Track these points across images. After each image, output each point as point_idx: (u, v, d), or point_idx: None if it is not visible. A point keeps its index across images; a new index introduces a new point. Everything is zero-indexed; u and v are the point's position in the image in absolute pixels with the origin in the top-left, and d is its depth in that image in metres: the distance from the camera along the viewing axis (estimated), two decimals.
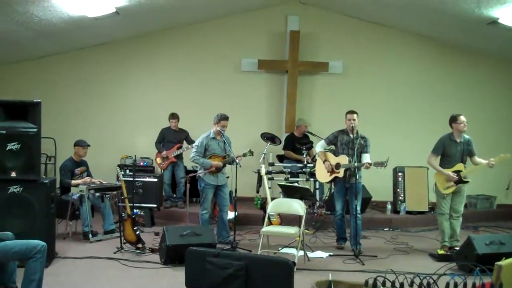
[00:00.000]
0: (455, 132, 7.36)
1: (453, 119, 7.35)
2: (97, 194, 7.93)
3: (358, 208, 7.34)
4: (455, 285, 3.04)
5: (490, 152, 7.24)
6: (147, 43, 11.06)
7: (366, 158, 7.37)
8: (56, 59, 10.89)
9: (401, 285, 2.88)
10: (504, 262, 4.85)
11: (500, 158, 7.07)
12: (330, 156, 7.62)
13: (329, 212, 8.83)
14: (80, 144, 8.22)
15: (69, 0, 7.73)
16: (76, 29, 9.27)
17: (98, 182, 8.15)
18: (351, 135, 7.42)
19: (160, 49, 11.10)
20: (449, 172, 7.26)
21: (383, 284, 2.87)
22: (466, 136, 7.42)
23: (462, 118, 7.28)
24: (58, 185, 8.06)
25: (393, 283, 2.91)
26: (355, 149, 7.28)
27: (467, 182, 7.26)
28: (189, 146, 9.43)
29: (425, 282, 2.96)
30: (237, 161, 7.34)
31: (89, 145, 8.30)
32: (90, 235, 7.59)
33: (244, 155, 7.72)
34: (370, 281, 2.92)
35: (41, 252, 4.60)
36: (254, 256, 5.40)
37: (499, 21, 8.71)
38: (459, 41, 10.94)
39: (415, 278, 2.98)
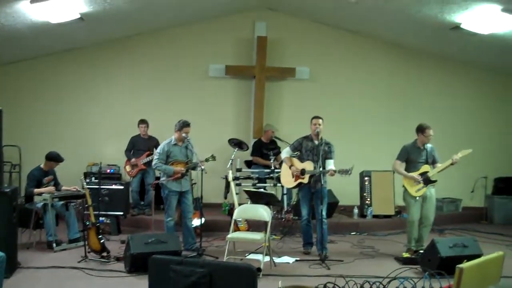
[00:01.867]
0: (419, 141, 7.48)
1: (421, 130, 7.45)
2: (61, 202, 7.80)
3: (324, 213, 7.37)
4: None
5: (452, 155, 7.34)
6: (113, 49, 10.97)
7: (330, 164, 7.41)
8: (22, 65, 10.73)
9: None
10: (465, 264, 4.93)
11: (462, 153, 7.17)
12: (296, 162, 7.65)
13: (296, 217, 8.85)
14: (55, 159, 7.98)
15: (32, 6, 7.63)
16: (41, 35, 9.16)
17: (75, 189, 8.04)
18: (316, 141, 7.46)
19: (127, 55, 11.03)
20: (413, 174, 7.36)
21: None
22: (429, 144, 7.55)
23: (430, 132, 7.40)
24: (23, 194, 7.97)
25: None
26: (320, 155, 7.31)
27: (435, 181, 7.36)
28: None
29: (374, 287, 2.98)
30: (202, 166, 7.30)
31: (63, 160, 8.12)
32: (54, 244, 7.47)
33: (207, 160, 7.66)
34: (321, 287, 2.93)
35: None
36: (217, 263, 5.38)
37: (462, 26, 8.86)
38: (423, 46, 11.11)
39: (364, 284, 3.00)
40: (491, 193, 11.27)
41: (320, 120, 7.48)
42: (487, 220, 11.10)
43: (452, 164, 7.19)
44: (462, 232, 9.62)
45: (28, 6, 7.64)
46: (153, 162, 7.60)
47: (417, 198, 7.38)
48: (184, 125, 7.52)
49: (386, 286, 3.09)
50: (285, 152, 7.78)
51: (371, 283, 3.03)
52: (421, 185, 7.34)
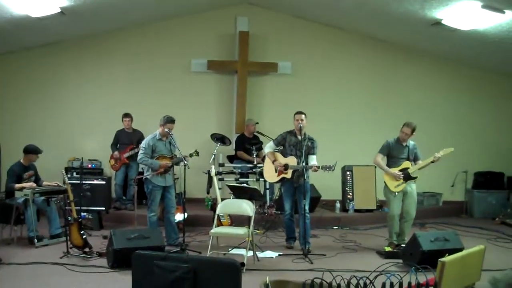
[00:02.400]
0: (400, 137, 7.56)
1: (402, 126, 7.54)
2: (42, 197, 7.73)
3: (307, 208, 7.41)
4: (391, 285, 3.10)
5: (436, 150, 7.40)
6: (95, 44, 10.87)
7: (313, 160, 7.45)
8: (1, 60, 10.60)
9: (338, 286, 2.92)
10: (447, 258, 5.01)
11: (444, 151, 7.26)
12: (279, 156, 7.67)
13: (279, 212, 8.88)
14: (33, 152, 7.91)
15: (12, 0, 7.53)
16: (20, 29, 9.04)
17: (55, 184, 7.98)
18: (299, 137, 7.49)
19: (108, 50, 10.94)
20: (394, 171, 7.43)
21: (321, 285, 2.91)
22: (411, 141, 7.63)
23: (404, 129, 7.48)
24: (3, 190, 7.88)
25: (330, 284, 2.95)
26: (303, 151, 7.34)
27: (415, 178, 7.44)
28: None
29: (361, 282, 3.01)
30: (185, 161, 7.29)
31: (41, 152, 8.06)
32: (36, 240, 7.40)
33: (190, 155, 7.64)
34: (308, 282, 2.95)
35: None
36: (201, 258, 5.39)
37: (443, 22, 8.94)
38: (405, 42, 11.19)
39: (351, 279, 3.03)
40: (471, 187, 11.40)
41: (303, 116, 7.50)
42: (467, 213, 11.26)
43: (433, 161, 7.28)
44: (443, 226, 9.73)
45: (8, 0, 7.54)
46: (139, 157, 7.57)
47: (396, 193, 7.45)
48: (168, 121, 7.50)
49: (373, 281, 3.12)
50: (268, 147, 7.80)
51: (358, 278, 3.06)
52: (401, 181, 7.41)
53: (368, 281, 3.09)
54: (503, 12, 7.84)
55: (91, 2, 8.58)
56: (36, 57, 10.72)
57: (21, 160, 7.95)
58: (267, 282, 3.21)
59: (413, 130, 7.46)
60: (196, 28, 11.07)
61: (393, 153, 7.58)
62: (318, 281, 2.91)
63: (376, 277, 3.23)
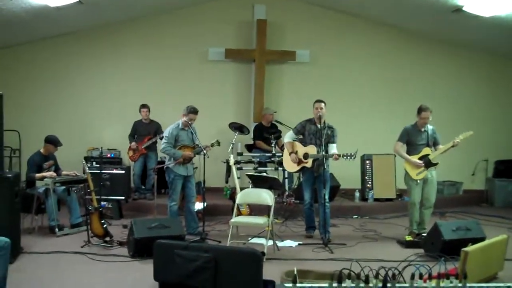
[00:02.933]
0: (418, 123, 7.46)
1: (418, 111, 7.43)
2: (63, 187, 7.77)
3: (327, 197, 7.37)
4: (420, 275, 3.06)
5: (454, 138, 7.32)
6: (112, 33, 10.88)
7: (333, 148, 7.41)
8: (20, 49, 10.65)
9: (367, 277, 2.88)
10: (470, 248, 4.95)
11: (464, 135, 7.19)
12: (299, 146, 7.63)
13: (298, 201, 8.85)
14: (53, 143, 7.96)
15: None
16: (39, 19, 9.07)
17: (74, 174, 8.03)
18: (319, 125, 7.43)
19: (126, 39, 10.94)
20: (415, 159, 7.34)
21: (349, 276, 2.87)
22: (430, 126, 7.52)
23: (425, 114, 7.35)
24: (24, 179, 7.92)
25: (358, 275, 2.91)
26: (323, 139, 7.29)
27: (436, 164, 7.35)
28: (158, 137, 9.40)
29: (390, 273, 2.97)
30: (205, 151, 7.29)
31: (61, 145, 8.11)
32: (57, 229, 7.45)
33: (212, 145, 7.66)
34: (337, 273, 2.92)
35: (4, 249, 4.50)
36: (222, 248, 5.39)
37: (464, 9, 8.80)
38: (424, 29, 11.04)
39: (380, 270, 2.99)
40: (491, 176, 11.30)
41: (322, 104, 7.44)
42: (487, 202, 11.16)
43: (453, 146, 7.19)
44: (463, 215, 9.64)
45: None
46: (162, 146, 7.56)
47: (418, 181, 7.38)
48: (191, 111, 7.51)
49: (401, 271, 3.07)
50: (287, 136, 7.76)
51: (386, 269, 3.01)
52: (422, 168, 7.33)
53: (396, 272, 3.04)
54: None
55: None
56: (53, 46, 10.75)
57: (41, 150, 8.00)
58: (295, 272, 3.18)
59: (431, 112, 7.37)
60: (213, 17, 11.02)
61: (412, 139, 7.48)
62: (346, 272, 2.87)
63: (404, 267, 3.19)
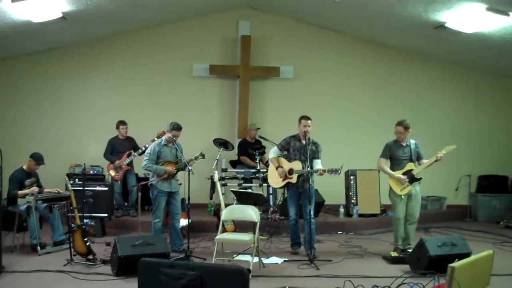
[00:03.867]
0: (396, 137, 7.50)
1: (395, 126, 7.50)
2: (45, 204, 7.66)
3: (312, 213, 7.35)
4: None
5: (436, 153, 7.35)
6: (96, 49, 10.84)
7: (318, 164, 7.42)
8: (2, 65, 10.54)
9: None
10: (457, 264, 4.94)
11: (447, 149, 7.22)
12: (284, 161, 7.61)
13: (283, 217, 8.82)
14: (36, 159, 7.86)
15: (13, 5, 7.48)
16: (22, 34, 9.00)
17: (56, 191, 7.92)
18: (303, 141, 7.43)
19: (110, 55, 10.90)
20: (399, 175, 7.36)
21: None
22: (412, 140, 7.56)
23: (397, 128, 7.44)
24: (5, 196, 7.80)
25: None
26: (307, 155, 7.29)
27: (420, 179, 7.36)
28: (136, 154, 9.28)
29: None
30: (189, 167, 7.24)
31: (43, 164, 7.99)
32: (39, 248, 7.33)
33: (196, 158, 7.58)
34: None
35: None
36: (208, 265, 5.33)
37: (446, 25, 8.90)
38: (407, 45, 11.15)
39: None
40: (475, 191, 11.36)
41: (309, 122, 7.44)
42: (471, 218, 11.21)
43: (436, 161, 7.21)
44: (447, 230, 9.68)
45: (10, 5, 7.51)
46: (144, 163, 7.50)
47: (402, 196, 7.39)
48: (174, 127, 7.47)
49: None
50: (272, 152, 7.74)
51: (380, 287, 3.00)
52: (406, 183, 7.35)
53: None
54: (508, 15, 7.81)
55: (93, 7, 8.54)
56: (36, 62, 10.68)
57: (24, 167, 7.90)
58: None
59: (405, 128, 7.39)
60: (197, 33, 11.03)
61: (394, 154, 7.50)
62: None
63: (398, 286, 3.18)
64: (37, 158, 7.88)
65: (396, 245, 7.50)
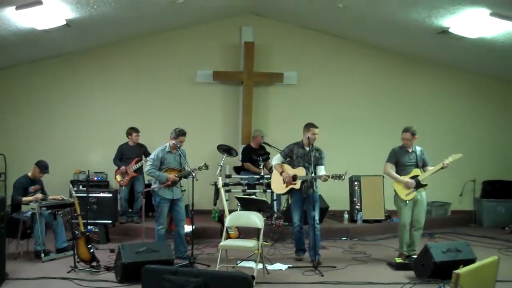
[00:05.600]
0: (403, 143, 7.50)
1: (402, 132, 7.51)
2: (49, 211, 7.67)
3: (317, 219, 7.33)
4: None
5: (442, 159, 7.33)
6: (100, 56, 10.85)
7: (322, 170, 7.40)
8: (7, 73, 10.57)
9: None
10: (461, 270, 4.91)
11: (453, 157, 7.21)
12: (288, 168, 7.59)
13: (287, 223, 8.81)
14: (40, 167, 7.87)
15: (18, 13, 7.51)
16: (26, 42, 9.02)
17: (60, 198, 7.91)
18: (307, 148, 7.43)
19: (113, 62, 10.91)
20: (406, 179, 7.34)
21: None
22: (418, 147, 7.56)
23: (404, 135, 7.45)
24: (9, 203, 7.81)
25: None
26: (311, 161, 7.28)
27: (425, 185, 7.35)
28: (146, 160, 9.29)
29: None
30: (193, 174, 7.23)
31: (47, 173, 8.01)
32: (43, 254, 7.33)
33: (200, 169, 7.57)
34: None
35: None
36: (212, 272, 5.33)
37: (450, 30, 8.89)
38: (411, 51, 11.15)
39: None
40: (479, 197, 11.32)
41: (317, 130, 7.43)
42: (476, 223, 11.17)
43: (442, 168, 7.21)
44: (452, 236, 9.64)
45: (14, 13, 7.51)
46: (147, 168, 7.52)
47: (407, 202, 7.36)
48: (180, 133, 7.45)
49: None
50: (276, 159, 7.73)
51: None
52: (412, 189, 7.33)
53: None
54: None
55: (97, 15, 8.56)
56: (40, 69, 10.70)
57: (29, 174, 7.92)
58: None
59: (412, 134, 7.41)
60: (201, 39, 11.05)
61: (400, 160, 7.50)
62: None
63: None
64: (42, 167, 7.89)
65: (400, 251, 7.47)
